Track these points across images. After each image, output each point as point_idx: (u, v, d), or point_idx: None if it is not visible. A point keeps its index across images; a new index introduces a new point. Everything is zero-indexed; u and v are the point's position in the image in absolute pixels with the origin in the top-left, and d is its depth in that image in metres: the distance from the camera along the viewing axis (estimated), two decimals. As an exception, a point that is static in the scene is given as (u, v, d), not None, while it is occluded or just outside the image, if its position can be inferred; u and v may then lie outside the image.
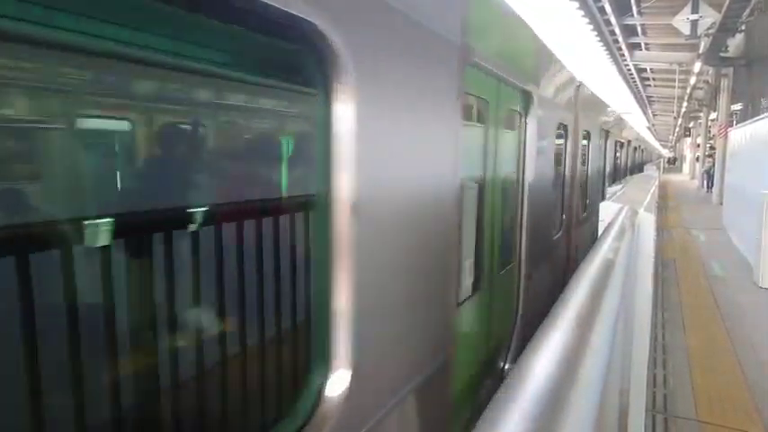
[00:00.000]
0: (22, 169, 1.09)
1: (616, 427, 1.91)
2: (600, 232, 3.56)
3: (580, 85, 5.49)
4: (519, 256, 3.35)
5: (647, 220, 3.68)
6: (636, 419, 3.04)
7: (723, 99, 18.37)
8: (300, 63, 1.23)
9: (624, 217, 3.22)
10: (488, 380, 2.96)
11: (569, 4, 16.16)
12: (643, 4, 16.74)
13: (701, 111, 28.38)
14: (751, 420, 3.75)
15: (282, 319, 1.34)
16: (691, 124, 37.51)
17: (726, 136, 16.04)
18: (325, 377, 1.23)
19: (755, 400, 4.04)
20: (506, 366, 3.31)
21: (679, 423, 3.74)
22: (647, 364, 3.35)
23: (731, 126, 15.75)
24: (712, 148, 22.65)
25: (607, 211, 3.82)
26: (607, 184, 9.37)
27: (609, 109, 8.92)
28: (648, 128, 58.33)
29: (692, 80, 23.09)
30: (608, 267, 1.79)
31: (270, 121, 1.54)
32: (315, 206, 1.31)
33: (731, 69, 17.53)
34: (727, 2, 11.89)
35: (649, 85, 34.27)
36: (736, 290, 7.17)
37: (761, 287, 7.16)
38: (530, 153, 3.50)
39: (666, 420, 3.77)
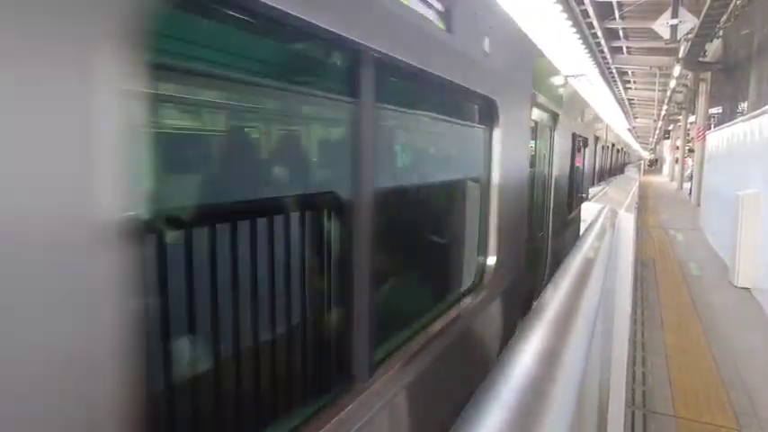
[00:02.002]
0: None
1: (596, 421, 1.96)
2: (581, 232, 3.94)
3: (590, 110, 7.13)
4: (548, 226, 4.91)
5: (627, 221, 3.76)
6: (616, 415, 3.11)
7: (701, 102, 18.79)
8: (483, 114, 2.51)
9: (604, 217, 3.29)
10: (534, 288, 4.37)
11: (554, 7, 16.37)
12: (625, 9, 17.03)
13: (680, 114, 28.98)
14: (725, 415, 3.86)
15: (466, 235, 2.64)
16: (670, 127, 38.26)
17: (704, 139, 16.42)
18: (486, 259, 2.57)
19: (730, 396, 4.16)
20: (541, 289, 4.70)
21: (657, 418, 3.83)
22: (626, 361, 3.43)
23: (709, 129, 16.13)
24: (691, 150, 23.13)
25: (588, 211, 3.91)
26: (594, 181, 10.22)
27: (598, 117, 9.72)
28: (629, 130, 59.31)
29: (672, 83, 23.55)
30: (588, 267, 1.84)
31: (470, 143, 2.75)
32: (480, 181, 2.57)
33: (709, 74, 17.94)
34: (706, 8, 12.16)
35: (630, 88, 34.86)
36: (713, 289, 7.36)
37: (736, 286, 7.35)
38: (556, 156, 4.92)
39: (645, 416, 3.86)
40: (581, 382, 1.10)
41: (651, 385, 4.34)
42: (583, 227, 3.96)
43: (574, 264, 1.83)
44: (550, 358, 1.07)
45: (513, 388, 0.93)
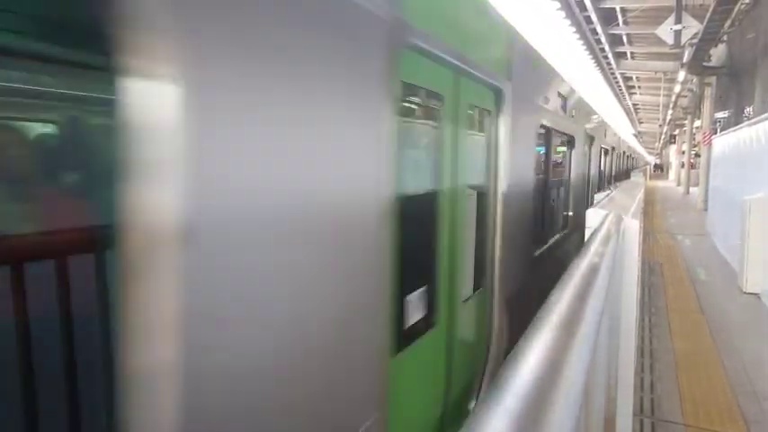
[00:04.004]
0: None
1: (603, 430, 1.94)
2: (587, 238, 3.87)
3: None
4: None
5: (633, 227, 3.74)
6: (624, 423, 3.08)
7: (707, 107, 18.73)
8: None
9: (610, 223, 3.28)
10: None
11: (556, 13, 16.43)
12: (628, 15, 17.06)
13: (685, 118, 28.88)
14: (736, 424, 3.81)
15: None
16: (676, 132, 38.12)
17: (710, 143, 16.34)
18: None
19: (739, 402, 4.10)
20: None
21: (666, 427, 3.78)
22: (633, 368, 3.40)
23: (715, 133, 16.06)
24: (697, 155, 23.02)
25: (593, 217, 3.89)
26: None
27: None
28: (635, 135, 59.15)
29: (677, 88, 23.49)
30: (593, 273, 1.83)
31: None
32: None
33: (714, 78, 17.90)
34: (709, 13, 12.16)
35: (635, 93, 34.82)
36: (721, 294, 7.29)
37: (745, 292, 7.28)
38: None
39: (654, 424, 3.81)
40: (586, 390, 1.09)
41: (659, 393, 4.29)
42: (588, 234, 3.93)
43: (578, 271, 1.83)
44: (554, 366, 1.07)
45: (517, 396, 0.92)
